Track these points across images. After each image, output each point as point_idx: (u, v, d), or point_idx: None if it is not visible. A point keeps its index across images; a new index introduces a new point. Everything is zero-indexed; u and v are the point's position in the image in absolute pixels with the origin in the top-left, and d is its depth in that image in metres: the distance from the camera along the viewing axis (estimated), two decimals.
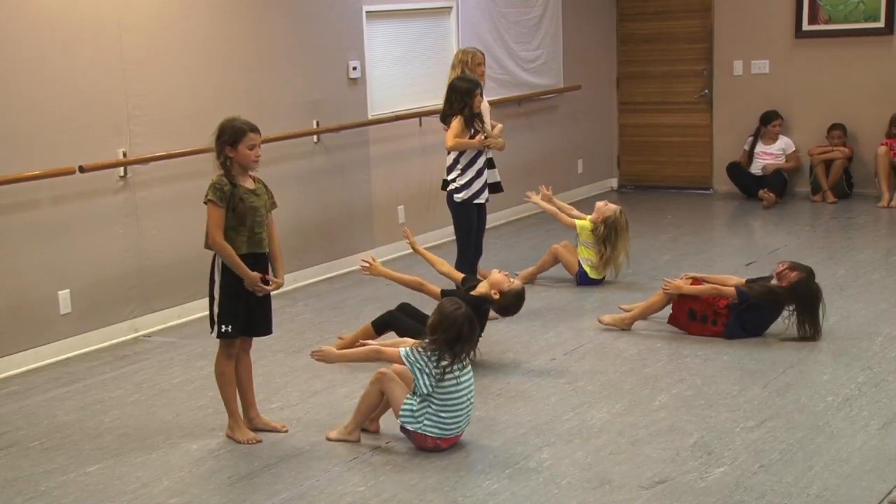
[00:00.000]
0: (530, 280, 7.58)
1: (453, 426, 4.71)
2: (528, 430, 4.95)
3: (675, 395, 5.35)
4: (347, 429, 4.89)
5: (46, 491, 4.51)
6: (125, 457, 4.83)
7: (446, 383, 4.65)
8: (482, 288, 5.88)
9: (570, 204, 10.69)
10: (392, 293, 7.43)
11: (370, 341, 5.28)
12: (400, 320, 5.92)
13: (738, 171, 10.59)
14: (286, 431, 5.03)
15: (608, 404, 5.26)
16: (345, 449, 4.81)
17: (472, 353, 4.82)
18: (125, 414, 5.39)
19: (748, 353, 5.93)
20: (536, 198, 7.73)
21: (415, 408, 4.69)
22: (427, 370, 4.64)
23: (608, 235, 7.36)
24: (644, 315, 6.46)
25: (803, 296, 6.07)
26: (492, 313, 6.39)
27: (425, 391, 4.65)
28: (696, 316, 6.24)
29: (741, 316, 6.14)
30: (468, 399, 4.74)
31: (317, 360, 4.92)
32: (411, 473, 4.53)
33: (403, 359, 4.68)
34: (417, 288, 5.93)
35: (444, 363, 4.63)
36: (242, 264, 4.75)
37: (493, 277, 5.89)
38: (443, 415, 4.67)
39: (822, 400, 5.21)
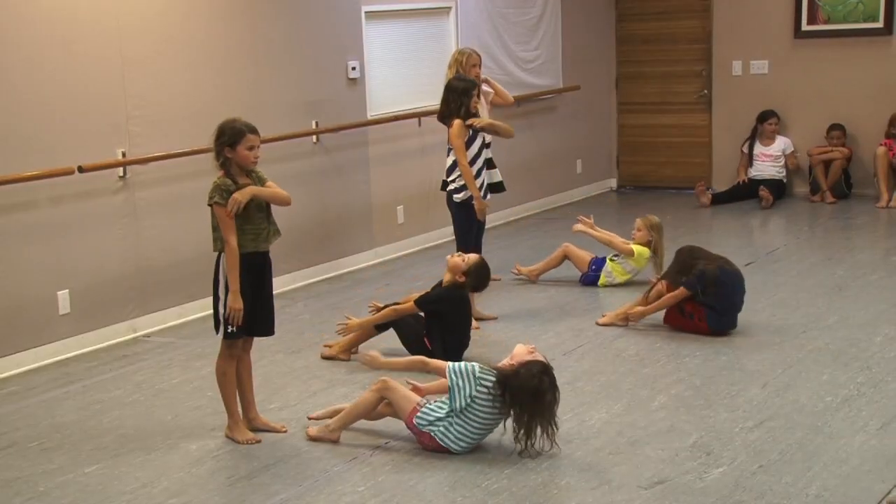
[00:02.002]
0: (535, 277, 7.60)
1: (464, 445, 4.69)
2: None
3: (674, 396, 5.35)
4: (329, 427, 4.88)
5: (45, 491, 4.51)
6: (124, 457, 4.83)
7: (483, 413, 4.63)
8: (446, 279, 5.93)
9: (569, 205, 10.76)
10: (391, 294, 7.44)
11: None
12: (401, 318, 5.94)
13: (736, 190, 10.56)
14: (285, 432, 5.03)
15: (607, 404, 5.26)
16: (344, 449, 4.80)
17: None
18: (124, 414, 5.39)
19: (747, 354, 5.93)
20: (583, 227, 7.64)
21: (432, 414, 4.67)
22: (468, 390, 4.60)
23: (657, 242, 7.41)
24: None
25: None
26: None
27: (457, 407, 4.63)
28: (683, 312, 6.27)
29: (708, 305, 6.17)
30: (489, 432, 4.73)
31: (363, 363, 4.93)
32: (410, 474, 4.53)
33: (448, 371, 4.66)
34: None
35: (490, 403, 4.60)
36: (238, 277, 4.73)
37: (450, 263, 5.95)
38: (460, 431, 4.65)
39: (821, 400, 5.21)
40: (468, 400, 4.61)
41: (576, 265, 7.60)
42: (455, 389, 4.62)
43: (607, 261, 7.50)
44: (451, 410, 4.65)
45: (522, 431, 4.58)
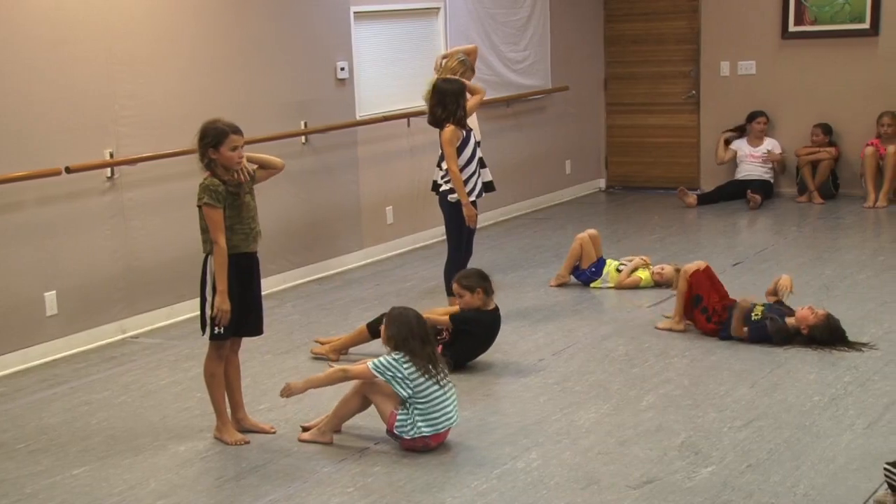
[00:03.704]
0: (567, 278, 7.57)
1: (443, 420, 4.73)
2: (516, 431, 4.95)
3: (662, 396, 5.37)
4: (320, 430, 4.90)
5: (32, 493, 4.50)
6: (112, 459, 4.82)
7: (423, 382, 4.69)
8: (463, 306, 5.82)
9: (559, 206, 10.78)
10: (379, 294, 7.45)
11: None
12: None
13: (726, 189, 10.57)
14: (274, 433, 5.03)
15: (596, 405, 5.27)
16: (333, 450, 4.80)
17: (430, 351, 4.78)
18: (112, 416, 5.38)
19: (735, 354, 5.95)
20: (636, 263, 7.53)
21: (407, 419, 4.71)
22: (400, 374, 4.68)
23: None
24: (682, 308, 6.37)
25: (821, 340, 5.97)
26: None
27: (406, 395, 4.69)
28: (698, 304, 6.23)
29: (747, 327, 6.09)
30: (451, 392, 4.77)
31: (285, 397, 4.98)
32: (399, 474, 4.53)
33: (373, 371, 4.71)
34: None
35: (412, 367, 4.69)
36: (226, 278, 4.72)
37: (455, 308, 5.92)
38: (430, 413, 4.69)
39: (809, 399, 5.23)
40: (409, 381, 4.68)
41: (582, 258, 7.59)
42: (394, 382, 4.70)
43: (609, 269, 7.49)
44: (407, 402, 4.71)
45: (430, 365, 4.71)
